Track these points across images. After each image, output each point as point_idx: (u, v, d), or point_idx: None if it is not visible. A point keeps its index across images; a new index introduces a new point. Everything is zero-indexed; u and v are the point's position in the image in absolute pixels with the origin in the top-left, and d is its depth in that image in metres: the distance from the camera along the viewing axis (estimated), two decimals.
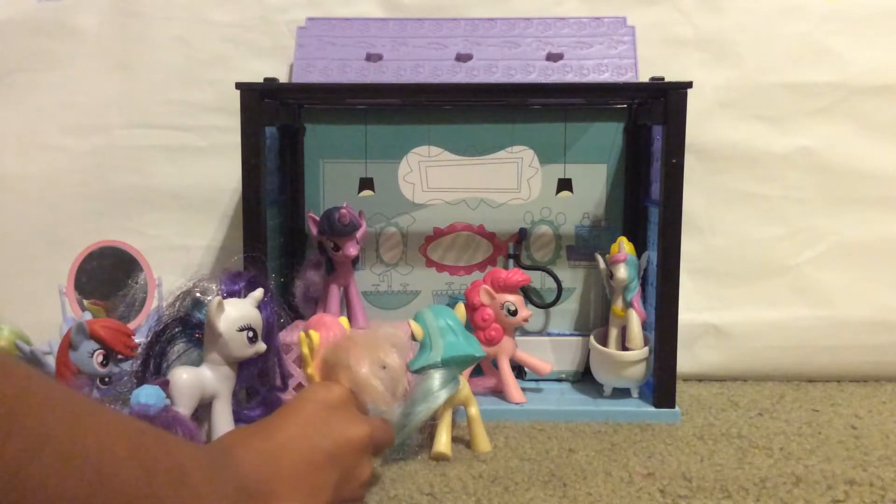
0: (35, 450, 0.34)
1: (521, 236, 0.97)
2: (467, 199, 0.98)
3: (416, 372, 0.74)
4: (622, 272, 0.86)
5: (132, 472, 0.38)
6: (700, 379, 1.00)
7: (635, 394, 0.88)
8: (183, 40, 1.02)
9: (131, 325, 0.88)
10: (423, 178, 0.98)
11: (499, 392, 0.88)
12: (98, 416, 0.39)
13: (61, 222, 1.03)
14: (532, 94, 0.93)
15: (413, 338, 0.76)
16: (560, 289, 0.96)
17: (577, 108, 0.96)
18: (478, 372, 0.91)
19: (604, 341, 0.90)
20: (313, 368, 0.65)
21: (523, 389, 0.88)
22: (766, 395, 0.93)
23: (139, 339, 0.75)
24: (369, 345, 0.63)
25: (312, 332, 0.66)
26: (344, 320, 0.74)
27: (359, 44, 0.96)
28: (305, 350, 0.65)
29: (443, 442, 0.72)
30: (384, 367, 0.62)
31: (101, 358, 0.72)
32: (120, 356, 0.73)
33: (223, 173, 1.02)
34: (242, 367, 0.70)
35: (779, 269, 0.99)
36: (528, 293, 0.94)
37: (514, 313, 0.87)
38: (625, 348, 0.87)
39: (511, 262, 0.97)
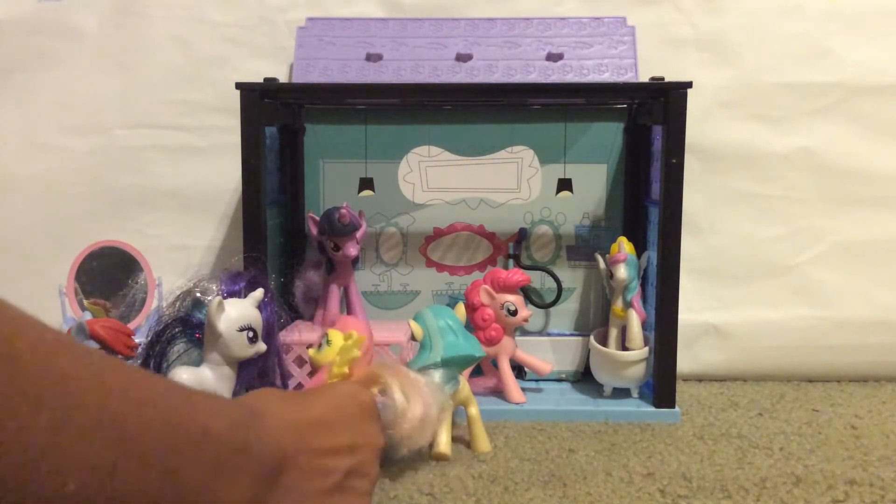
0: (64, 420, 0.34)
1: (521, 236, 0.97)
2: (467, 199, 0.98)
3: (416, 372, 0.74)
4: (622, 272, 0.86)
5: (157, 435, 0.39)
6: (700, 379, 1.00)
7: (635, 394, 0.88)
8: (183, 40, 1.02)
9: (131, 325, 0.88)
10: (423, 178, 0.98)
11: (499, 392, 0.88)
12: (123, 375, 0.39)
13: (61, 222, 1.03)
14: (532, 94, 0.93)
15: (413, 338, 0.76)
16: (560, 289, 0.96)
17: (577, 108, 0.96)
18: (478, 372, 0.91)
19: (604, 341, 0.90)
20: (347, 370, 0.66)
21: (523, 389, 0.88)
22: (766, 395, 0.93)
23: (139, 339, 0.75)
24: (426, 393, 0.65)
25: (354, 331, 0.67)
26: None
27: (359, 44, 0.96)
28: (349, 342, 0.66)
29: (443, 442, 0.72)
30: (427, 417, 0.64)
31: None
32: (120, 356, 0.73)
33: (223, 173, 1.02)
34: (242, 368, 0.70)
35: (779, 269, 0.99)
36: (528, 293, 0.94)
37: (514, 313, 0.87)
38: (625, 348, 0.87)
39: (511, 262, 0.97)
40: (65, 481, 0.34)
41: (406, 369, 0.67)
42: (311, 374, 0.83)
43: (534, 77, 0.94)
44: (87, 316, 0.79)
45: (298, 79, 0.95)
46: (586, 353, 0.93)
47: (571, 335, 0.97)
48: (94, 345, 0.72)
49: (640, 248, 0.90)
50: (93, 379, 0.37)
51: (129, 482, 0.37)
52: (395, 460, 0.68)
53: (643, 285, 0.90)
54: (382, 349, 0.83)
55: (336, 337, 0.70)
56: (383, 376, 0.64)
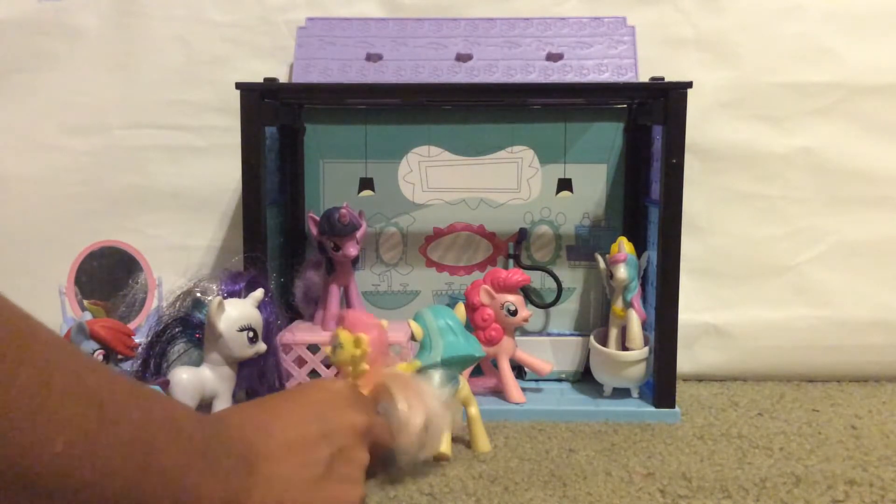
0: (46, 378, 0.35)
1: (521, 236, 0.97)
2: (467, 199, 0.98)
3: (416, 372, 0.74)
4: (622, 272, 0.86)
5: (132, 414, 0.39)
6: (700, 379, 1.00)
7: (635, 394, 0.88)
8: (183, 40, 1.02)
9: (131, 325, 0.88)
10: (423, 178, 0.98)
11: (499, 392, 0.88)
12: (95, 363, 0.40)
13: (61, 222, 1.03)
14: (532, 94, 0.93)
15: (413, 338, 0.76)
16: (560, 289, 0.96)
17: (577, 108, 0.96)
18: (478, 372, 0.91)
19: (604, 341, 0.90)
20: (360, 379, 0.64)
21: (523, 389, 0.88)
22: (766, 395, 0.93)
23: (139, 339, 0.75)
24: (432, 404, 0.64)
25: (363, 336, 0.64)
26: (385, 322, 0.71)
27: (359, 44, 0.96)
28: (358, 352, 0.64)
29: (443, 442, 0.72)
30: (430, 427, 0.63)
31: (101, 358, 0.72)
32: (120, 356, 0.73)
33: (223, 173, 1.02)
34: (242, 368, 0.70)
35: (779, 269, 0.99)
36: (528, 293, 0.94)
37: (514, 313, 0.87)
38: (625, 348, 0.88)
39: (511, 262, 0.97)
40: (53, 440, 0.35)
41: (416, 380, 0.66)
42: (311, 374, 0.83)
43: (534, 77, 0.94)
44: (87, 316, 0.79)
45: (298, 79, 0.95)
46: (586, 353, 0.93)
47: (571, 335, 0.97)
48: (94, 345, 0.72)
49: (640, 248, 0.90)
50: (68, 352, 0.38)
51: (112, 454, 0.37)
52: (402, 466, 0.68)
53: (643, 285, 0.90)
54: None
55: (346, 339, 0.65)
56: (390, 388, 0.63)
